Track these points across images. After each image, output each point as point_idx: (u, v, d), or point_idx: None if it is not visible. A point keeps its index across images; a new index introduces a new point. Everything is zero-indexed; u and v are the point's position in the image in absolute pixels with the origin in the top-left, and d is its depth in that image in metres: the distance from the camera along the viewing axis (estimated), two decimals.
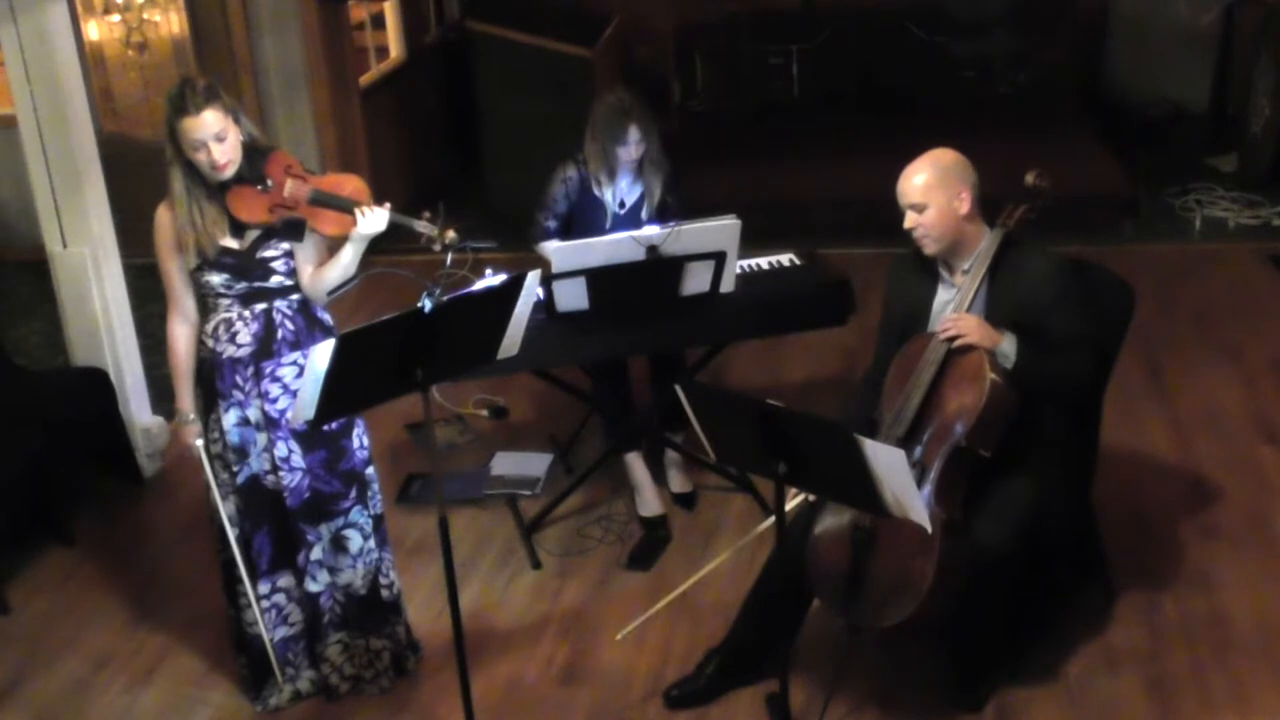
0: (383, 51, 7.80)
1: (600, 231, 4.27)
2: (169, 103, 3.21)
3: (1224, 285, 6.06)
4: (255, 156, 3.29)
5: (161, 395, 3.56)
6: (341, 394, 2.93)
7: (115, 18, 6.77)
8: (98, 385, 4.74)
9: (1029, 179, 3.42)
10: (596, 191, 4.35)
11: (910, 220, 3.34)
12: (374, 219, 3.28)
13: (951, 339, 3.26)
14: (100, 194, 4.75)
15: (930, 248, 3.36)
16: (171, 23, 6.75)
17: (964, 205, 3.31)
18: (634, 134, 4.22)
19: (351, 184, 3.36)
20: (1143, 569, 3.98)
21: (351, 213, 3.28)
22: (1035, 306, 3.29)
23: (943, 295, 3.43)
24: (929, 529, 2.94)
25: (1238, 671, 3.56)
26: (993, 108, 8.24)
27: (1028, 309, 3.30)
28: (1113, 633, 3.73)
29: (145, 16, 6.75)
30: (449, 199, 7.71)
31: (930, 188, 3.29)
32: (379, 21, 7.78)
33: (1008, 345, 3.25)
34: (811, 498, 3.42)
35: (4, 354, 4.84)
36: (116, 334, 4.85)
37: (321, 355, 2.82)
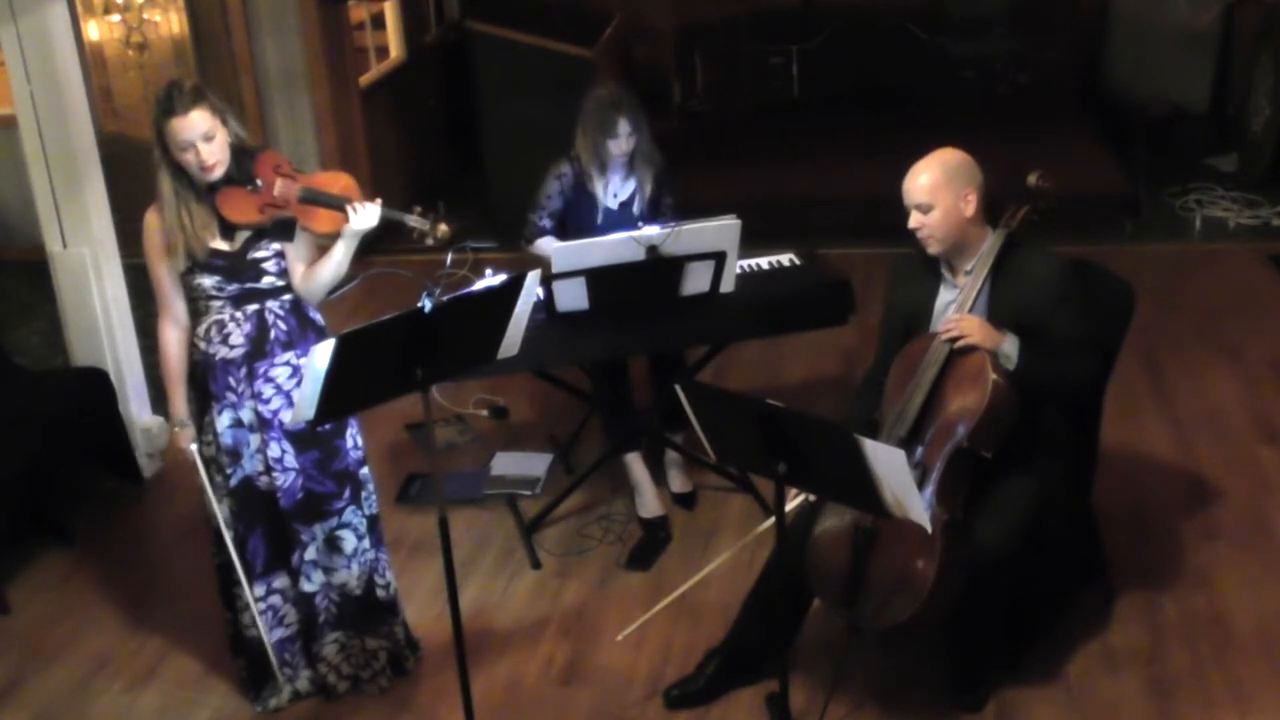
0: (383, 51, 7.79)
1: (594, 227, 4.28)
2: (156, 104, 3.21)
3: (1224, 285, 6.05)
4: (243, 158, 3.29)
5: (162, 395, 3.56)
6: (341, 394, 2.93)
7: (115, 18, 6.77)
8: (98, 385, 4.74)
9: (1032, 180, 3.41)
10: (590, 187, 4.35)
11: (915, 220, 3.33)
12: (366, 214, 3.28)
13: (954, 339, 3.26)
14: (100, 194, 4.75)
15: (934, 248, 3.36)
16: (171, 23, 6.75)
17: (970, 207, 3.30)
18: (624, 127, 4.22)
19: (341, 181, 3.36)
20: (1143, 569, 3.98)
21: (343, 209, 3.28)
22: (1037, 308, 3.29)
23: (945, 296, 3.43)
24: (929, 529, 2.94)
25: (1238, 671, 3.56)
26: (993, 108, 8.24)
27: (1029, 310, 3.29)
28: (1113, 633, 3.73)
29: (145, 16, 6.75)
30: (449, 199, 7.73)
31: (936, 188, 3.28)
32: (379, 21, 7.78)
33: (1009, 346, 3.25)
34: (812, 498, 3.42)
35: (4, 354, 4.83)
36: (116, 334, 4.85)
37: (322, 355, 2.82)
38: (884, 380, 3.45)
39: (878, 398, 3.46)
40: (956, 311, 3.31)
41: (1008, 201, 3.41)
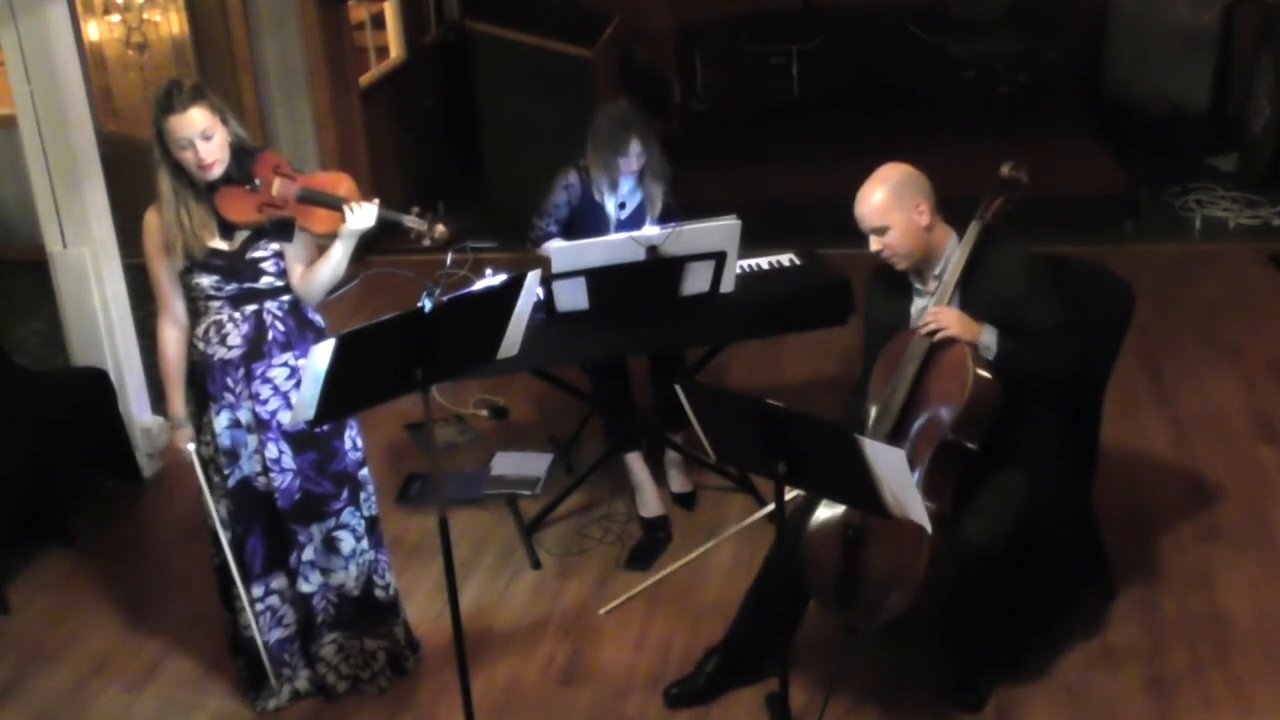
0: (383, 51, 7.79)
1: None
2: (156, 103, 3.21)
3: (1224, 285, 6.05)
4: (243, 157, 3.29)
5: (162, 395, 3.56)
6: (341, 394, 2.93)
7: (115, 18, 6.78)
8: (98, 385, 4.74)
9: (1005, 170, 3.41)
10: (598, 198, 4.35)
11: (875, 244, 3.34)
12: (363, 215, 3.28)
13: (932, 333, 3.26)
14: (100, 194, 4.75)
15: (901, 265, 3.38)
16: (171, 23, 6.75)
17: (924, 217, 3.31)
18: (635, 146, 4.23)
19: (340, 182, 3.36)
20: (1143, 569, 3.98)
21: (340, 209, 3.28)
22: (1008, 300, 3.30)
23: (918, 303, 3.45)
24: (929, 529, 2.94)
25: (1238, 671, 3.56)
26: (993, 108, 8.24)
27: (1000, 305, 3.30)
28: (1113, 632, 3.74)
29: (145, 16, 6.75)
30: (449, 199, 7.73)
31: (887, 208, 3.29)
32: (379, 21, 7.78)
33: (988, 337, 3.26)
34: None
35: (4, 354, 4.84)
36: (116, 334, 4.85)
37: (321, 355, 2.82)
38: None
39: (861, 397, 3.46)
40: (935, 305, 3.31)
41: (983, 194, 3.40)
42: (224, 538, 3.47)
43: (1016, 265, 3.34)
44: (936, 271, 3.38)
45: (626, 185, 4.35)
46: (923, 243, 3.33)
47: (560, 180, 4.38)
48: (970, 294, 3.34)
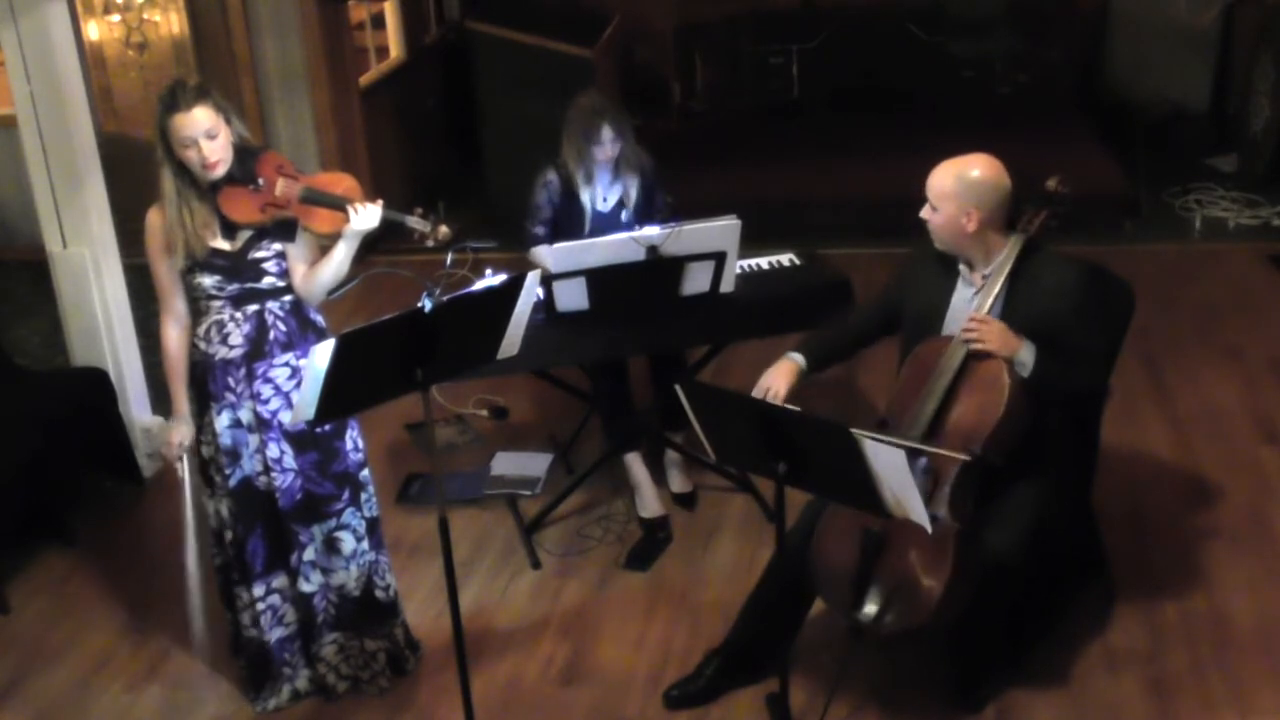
0: (383, 51, 7.80)
1: (583, 231, 4.29)
2: (160, 101, 3.21)
3: (1224, 285, 6.05)
4: (246, 157, 3.29)
5: (161, 395, 3.57)
6: (342, 394, 2.93)
7: (115, 18, 6.77)
8: (98, 385, 4.74)
9: (1051, 185, 3.39)
10: (577, 193, 4.37)
11: (925, 212, 3.36)
12: (366, 215, 3.28)
13: (971, 343, 3.25)
14: (100, 194, 4.75)
15: (936, 244, 3.38)
16: (171, 23, 6.75)
17: (971, 224, 3.28)
18: (607, 133, 4.25)
19: (343, 182, 3.36)
20: (1143, 569, 3.98)
21: (344, 210, 3.28)
22: (1055, 315, 3.27)
23: (962, 292, 3.41)
24: (929, 529, 2.93)
25: (1238, 671, 3.56)
26: (993, 108, 8.25)
27: (1047, 318, 3.27)
28: (1113, 633, 3.73)
29: (145, 16, 6.75)
30: (449, 199, 7.73)
31: (945, 195, 3.29)
32: (379, 21, 7.78)
33: (1025, 354, 3.23)
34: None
35: (4, 354, 4.83)
36: (116, 334, 4.85)
37: (322, 355, 2.82)
38: (852, 331, 3.66)
39: (841, 341, 3.66)
40: (977, 316, 3.29)
41: (1025, 206, 3.39)
42: (190, 535, 3.48)
43: (1068, 280, 3.31)
44: (985, 271, 3.36)
45: (604, 180, 4.36)
46: (959, 241, 3.32)
47: (539, 180, 4.41)
48: (1015, 301, 3.31)
